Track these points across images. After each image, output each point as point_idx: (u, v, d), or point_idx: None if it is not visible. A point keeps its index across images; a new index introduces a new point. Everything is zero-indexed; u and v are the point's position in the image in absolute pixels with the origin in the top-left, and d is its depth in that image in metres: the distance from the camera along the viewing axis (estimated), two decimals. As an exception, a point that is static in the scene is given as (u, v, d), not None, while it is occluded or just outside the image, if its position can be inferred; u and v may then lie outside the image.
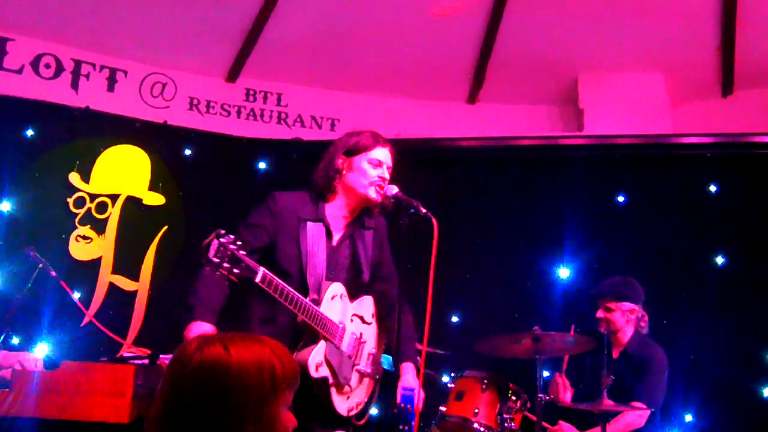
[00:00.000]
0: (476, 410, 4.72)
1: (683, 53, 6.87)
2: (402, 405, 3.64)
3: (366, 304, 3.88)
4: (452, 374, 5.19)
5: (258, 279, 3.14)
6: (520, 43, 6.97)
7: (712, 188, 6.45)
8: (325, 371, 3.50)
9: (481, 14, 6.81)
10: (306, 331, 3.49)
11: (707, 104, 7.15)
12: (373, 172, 3.75)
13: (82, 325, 5.88)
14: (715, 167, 6.48)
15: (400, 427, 3.60)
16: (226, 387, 1.65)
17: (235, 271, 3.02)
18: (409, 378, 3.81)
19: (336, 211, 3.80)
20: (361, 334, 3.80)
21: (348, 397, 3.71)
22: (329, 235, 3.76)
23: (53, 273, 4.32)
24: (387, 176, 3.79)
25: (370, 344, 3.88)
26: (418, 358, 4.16)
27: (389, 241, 4.07)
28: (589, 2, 6.57)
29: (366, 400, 3.87)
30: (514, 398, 4.83)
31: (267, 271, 3.19)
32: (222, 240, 2.95)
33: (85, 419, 3.34)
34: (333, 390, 3.58)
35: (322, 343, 3.48)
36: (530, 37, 6.92)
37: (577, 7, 6.60)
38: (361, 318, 3.83)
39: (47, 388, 3.39)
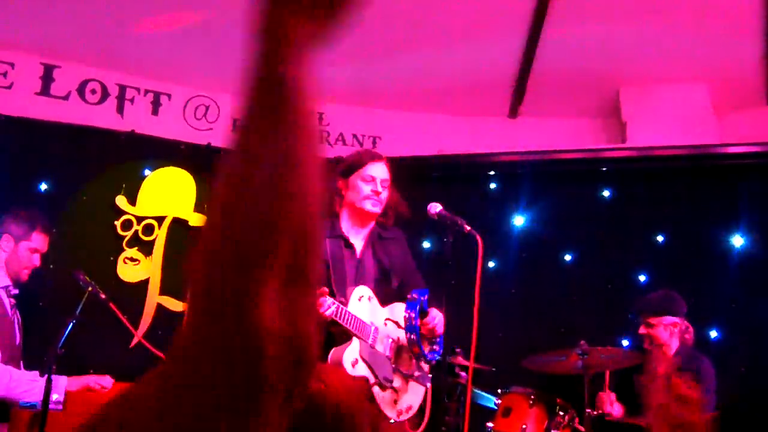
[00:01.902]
0: (524, 426, 4.70)
1: (727, 62, 6.78)
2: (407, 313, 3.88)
3: (399, 310, 3.95)
4: (499, 390, 5.17)
5: None
6: (560, 56, 6.94)
7: (761, 198, 6.37)
8: (363, 369, 3.56)
9: (521, 27, 6.80)
10: (337, 334, 3.55)
11: (753, 113, 7.05)
12: (366, 187, 3.99)
13: (131, 346, 5.96)
14: (763, 177, 6.40)
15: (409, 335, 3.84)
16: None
17: None
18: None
19: (349, 226, 4.01)
20: (398, 338, 3.85)
21: (396, 401, 3.73)
22: (349, 246, 3.88)
23: (103, 296, 4.40)
24: (380, 189, 4.00)
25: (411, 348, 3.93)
26: (461, 373, 4.20)
27: (414, 252, 4.18)
28: (630, 14, 6.52)
29: (419, 405, 3.90)
30: (561, 413, 4.80)
31: None
32: None
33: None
34: (376, 390, 3.62)
35: (355, 341, 3.57)
36: (571, 49, 6.88)
37: (618, 19, 6.56)
38: (396, 323, 3.89)
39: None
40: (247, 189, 0.78)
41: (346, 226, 3.97)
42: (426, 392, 4.01)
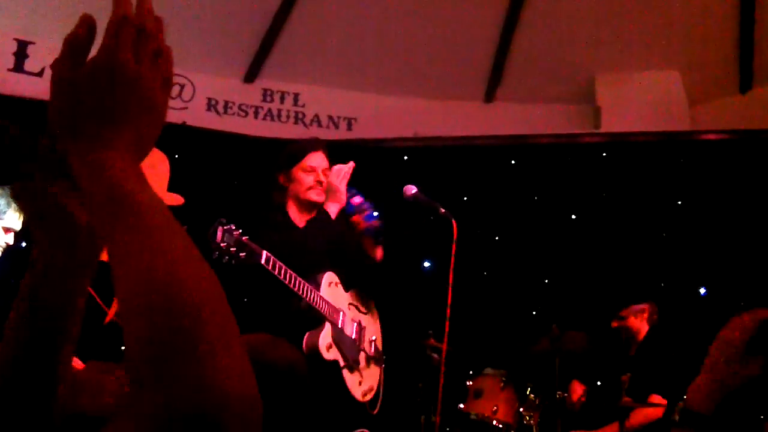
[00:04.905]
0: (495, 408, 4.75)
1: (700, 50, 6.85)
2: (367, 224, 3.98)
3: (358, 295, 4.01)
4: (471, 372, 5.21)
5: (263, 260, 3.30)
6: (537, 41, 6.97)
7: (732, 185, 6.44)
8: (335, 353, 3.64)
9: (498, 13, 6.82)
10: (310, 317, 3.59)
11: (725, 101, 7.12)
12: (308, 178, 3.99)
13: (104, 323, 5.93)
14: (734, 164, 6.47)
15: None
16: None
17: (241, 255, 3.19)
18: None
19: (297, 215, 4.02)
20: (360, 321, 3.93)
21: (360, 382, 3.83)
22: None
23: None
24: (322, 178, 4.01)
25: (370, 331, 4.03)
26: (433, 354, 4.26)
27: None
28: (605, 1, 6.56)
29: (376, 386, 3.98)
30: (532, 396, 4.85)
31: (269, 254, 3.31)
32: (226, 227, 3.12)
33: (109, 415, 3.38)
34: (345, 373, 3.70)
35: (327, 326, 3.63)
36: (547, 35, 6.91)
37: (594, 6, 6.60)
38: (357, 307, 3.97)
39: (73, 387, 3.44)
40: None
41: (294, 216, 3.99)
42: (380, 373, 4.08)
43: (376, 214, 3.99)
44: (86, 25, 0.94)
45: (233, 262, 3.19)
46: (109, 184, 0.85)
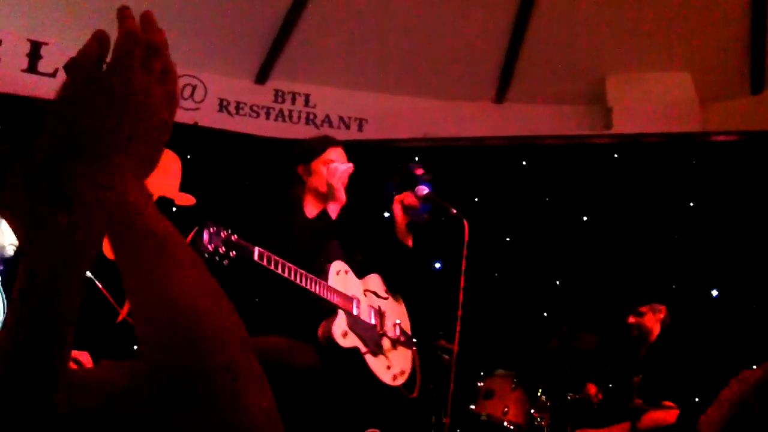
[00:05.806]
0: (506, 409, 4.76)
1: (712, 51, 6.83)
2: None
3: (375, 281, 3.99)
4: (481, 373, 5.22)
5: (255, 256, 3.26)
6: (547, 42, 6.96)
7: (743, 187, 6.43)
8: (353, 340, 3.59)
9: (508, 14, 6.81)
10: (322, 308, 3.58)
11: (737, 102, 7.10)
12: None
13: (117, 322, 5.95)
14: (746, 165, 6.46)
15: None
16: None
17: (232, 254, 3.16)
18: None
19: (313, 209, 3.98)
20: (379, 306, 3.90)
21: (388, 366, 3.78)
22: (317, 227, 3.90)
23: (88, 274, 4.37)
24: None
25: (392, 315, 3.99)
26: (444, 355, 4.26)
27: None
28: (617, 2, 6.55)
29: (410, 369, 3.94)
30: (543, 397, 4.85)
31: (262, 250, 3.29)
32: (212, 229, 3.10)
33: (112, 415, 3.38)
34: (368, 358, 3.66)
35: (341, 313, 3.60)
36: (558, 36, 6.90)
37: (604, 7, 6.59)
38: (375, 293, 3.94)
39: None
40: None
41: (310, 210, 3.98)
42: (414, 355, 4.05)
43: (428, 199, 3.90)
44: (98, 40, 0.91)
45: (225, 262, 3.17)
46: (125, 211, 0.83)
